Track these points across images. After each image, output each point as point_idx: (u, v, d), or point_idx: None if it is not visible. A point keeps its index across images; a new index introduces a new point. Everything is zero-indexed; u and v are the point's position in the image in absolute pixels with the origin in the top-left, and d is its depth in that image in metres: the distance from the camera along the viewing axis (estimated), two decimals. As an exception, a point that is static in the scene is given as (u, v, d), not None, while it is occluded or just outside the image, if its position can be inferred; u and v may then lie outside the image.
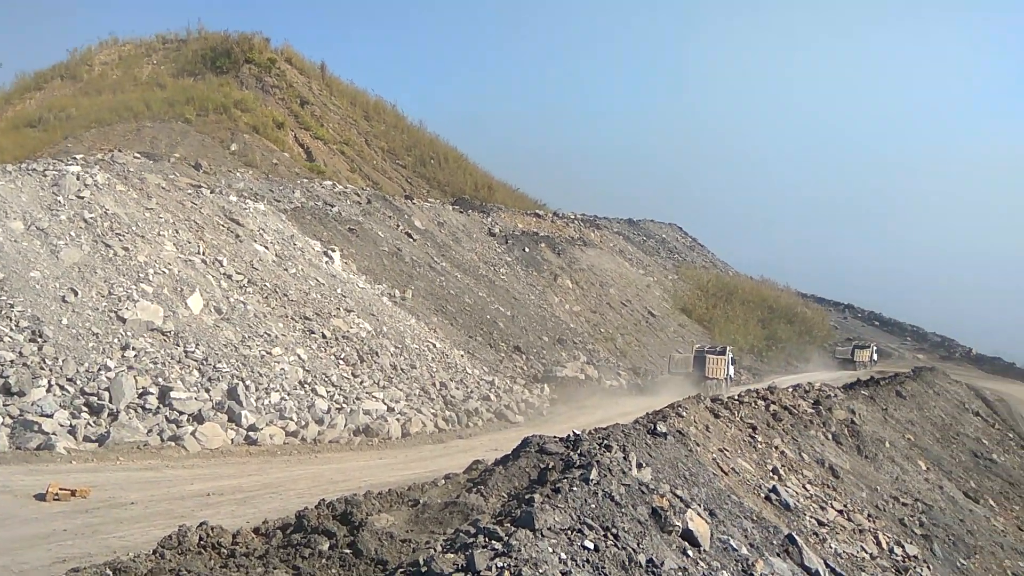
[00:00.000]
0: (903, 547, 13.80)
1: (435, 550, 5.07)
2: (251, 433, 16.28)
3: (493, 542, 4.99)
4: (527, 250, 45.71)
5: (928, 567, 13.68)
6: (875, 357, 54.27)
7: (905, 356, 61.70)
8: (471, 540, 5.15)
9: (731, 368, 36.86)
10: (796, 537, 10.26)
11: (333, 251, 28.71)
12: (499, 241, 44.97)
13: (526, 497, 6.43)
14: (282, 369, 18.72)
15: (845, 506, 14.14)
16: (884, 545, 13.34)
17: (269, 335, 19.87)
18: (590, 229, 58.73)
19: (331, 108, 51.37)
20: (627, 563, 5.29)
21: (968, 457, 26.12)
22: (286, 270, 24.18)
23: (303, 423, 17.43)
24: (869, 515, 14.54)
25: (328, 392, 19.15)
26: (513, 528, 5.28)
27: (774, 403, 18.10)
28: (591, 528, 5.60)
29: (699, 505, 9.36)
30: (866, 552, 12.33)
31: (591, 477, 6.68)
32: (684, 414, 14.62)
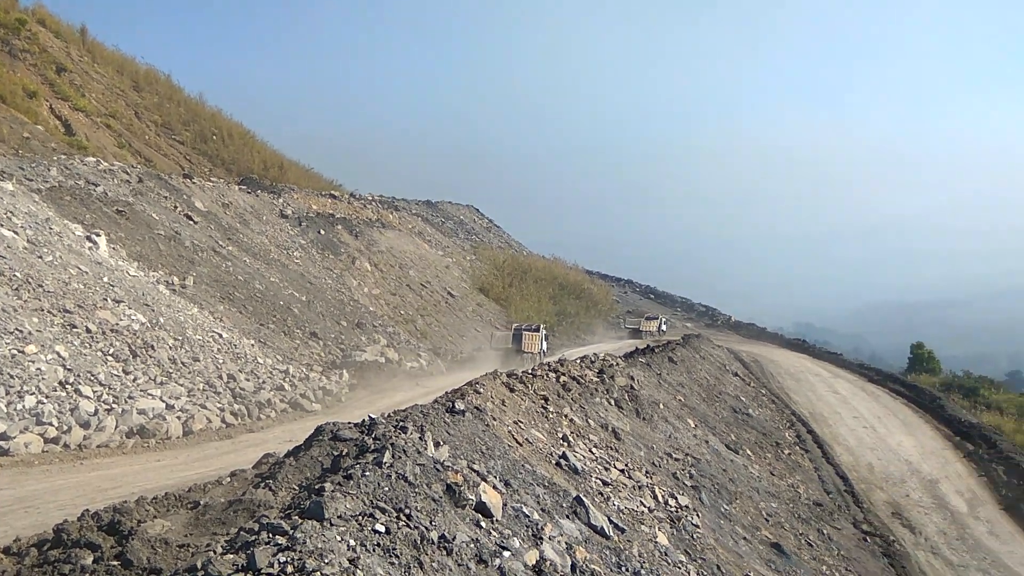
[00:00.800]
0: (676, 498, 15.24)
1: (214, 552, 4.73)
2: (1, 443, 14.27)
3: (277, 537, 4.75)
4: (323, 232, 44.22)
5: (697, 515, 15.23)
6: (664, 328, 59.34)
7: (676, 325, 67.95)
8: (253, 538, 4.86)
9: (544, 343, 40.32)
10: (583, 498, 10.93)
11: (98, 236, 25.77)
12: (292, 223, 43.04)
13: (316, 487, 6.21)
14: (38, 369, 16.53)
15: (626, 465, 15.31)
16: (660, 498, 14.64)
17: (21, 332, 17.44)
18: (388, 211, 58.10)
19: (94, 76, 45.98)
20: (419, 541, 5.30)
21: (729, 413, 29.41)
22: (40, 258, 21.34)
23: (65, 428, 15.55)
24: (647, 472, 15.87)
25: (95, 392, 17.23)
26: (300, 520, 5.07)
27: (564, 375, 19.11)
28: (383, 511, 5.54)
29: (495, 477, 9.63)
30: (644, 506, 13.45)
31: (384, 460, 6.61)
32: (481, 390, 14.99)
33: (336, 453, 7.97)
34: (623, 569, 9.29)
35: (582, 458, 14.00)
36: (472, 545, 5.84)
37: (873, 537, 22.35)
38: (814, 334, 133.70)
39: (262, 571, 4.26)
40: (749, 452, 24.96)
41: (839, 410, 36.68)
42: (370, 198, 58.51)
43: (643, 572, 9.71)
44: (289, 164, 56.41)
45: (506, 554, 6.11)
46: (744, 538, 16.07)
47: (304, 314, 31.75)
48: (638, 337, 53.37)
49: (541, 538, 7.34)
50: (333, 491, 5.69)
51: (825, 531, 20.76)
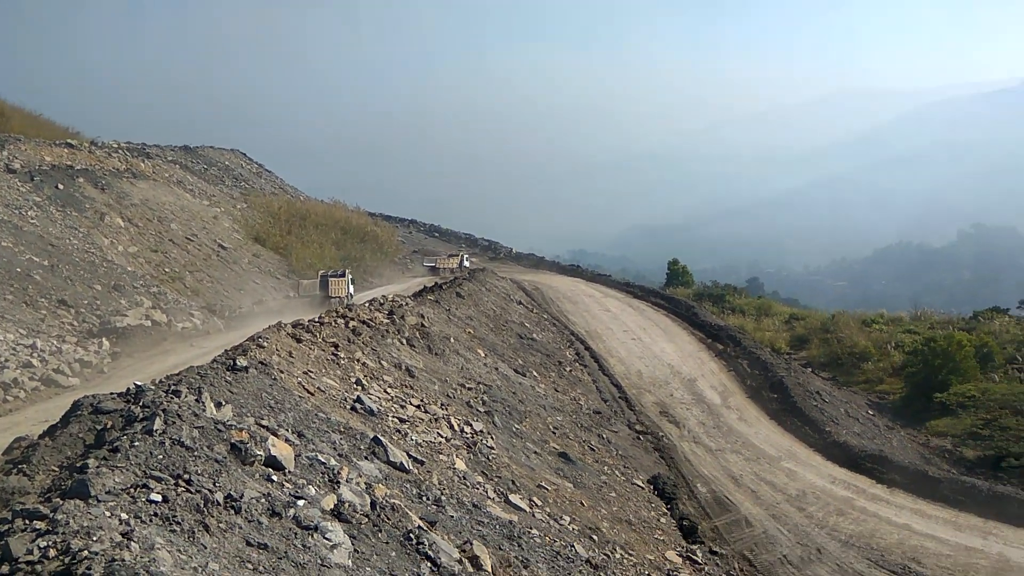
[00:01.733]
0: (471, 425, 15.85)
1: (-44, 553, 4.13)
2: None
3: (35, 522, 4.26)
4: (61, 187, 38.91)
5: (491, 437, 15.98)
6: (467, 264, 60.15)
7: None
8: (6, 527, 4.33)
9: (351, 287, 41.24)
10: (381, 438, 10.99)
11: None
12: (22, 179, 37.34)
13: (79, 465, 5.62)
14: None
15: (422, 401, 15.60)
16: (456, 427, 15.14)
17: None
18: (139, 159, 52.32)
19: None
20: (203, 505, 5.01)
21: (516, 340, 30.90)
22: None
23: None
24: (442, 404, 16.30)
25: None
26: (61, 502, 4.57)
27: (353, 319, 18.84)
28: (159, 480, 5.15)
29: (287, 430, 9.35)
30: (442, 436, 13.85)
31: (155, 428, 6.11)
32: (266, 344, 14.34)
33: (100, 427, 7.23)
34: (424, 499, 9.54)
35: (377, 399, 14.02)
36: (263, 500, 5.65)
37: (645, 435, 24.98)
38: (587, 259, 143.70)
39: (20, 560, 3.81)
40: (535, 373, 26.51)
41: (611, 326, 40.00)
42: (116, 146, 52.19)
43: (443, 498, 10.05)
44: (12, 111, 48.56)
45: (300, 503, 5.99)
46: (535, 452, 17.19)
47: (48, 280, 28.06)
48: (436, 275, 53.83)
49: (338, 482, 7.28)
50: (98, 467, 5.18)
51: (605, 435, 22.80)
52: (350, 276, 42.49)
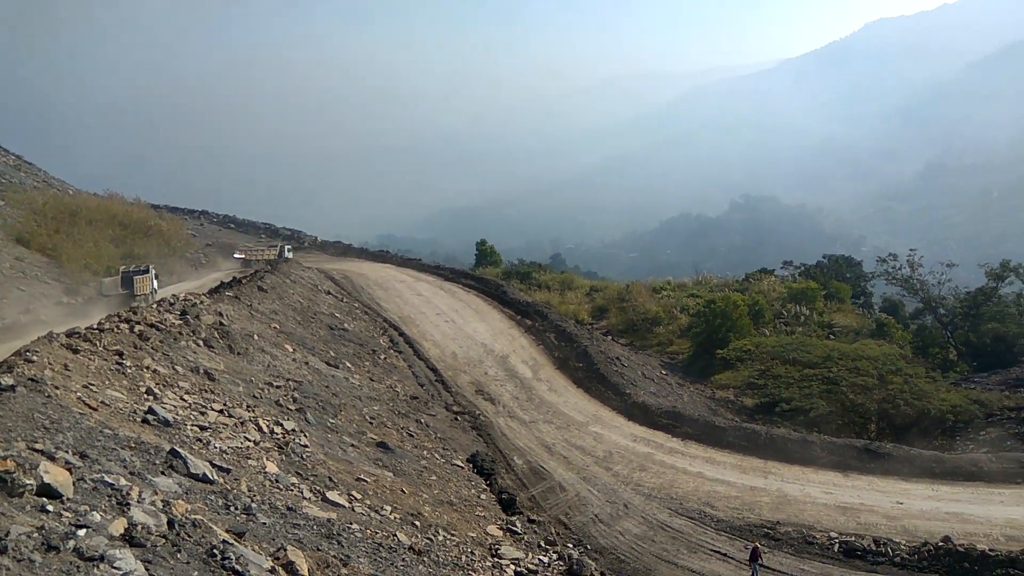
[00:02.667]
0: (281, 425, 15.17)
1: None
2: None
3: None
4: None
5: (305, 435, 15.41)
6: (288, 254, 56.86)
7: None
8: None
9: (155, 283, 40.22)
10: (179, 449, 10.19)
11: None
12: None
13: None
14: None
15: (225, 404, 14.66)
16: (265, 428, 14.42)
17: None
18: None
19: None
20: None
21: (326, 331, 29.98)
22: None
23: None
24: (248, 406, 15.43)
25: None
26: None
27: (139, 323, 17.23)
28: None
29: (66, 452, 8.38)
30: (249, 440, 13.12)
31: None
32: (35, 358, 12.74)
33: None
34: (232, 509, 9.00)
35: (173, 408, 12.97)
36: (36, 535, 5.01)
37: (462, 415, 25.40)
38: (396, 243, 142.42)
39: None
40: (349, 364, 25.93)
41: (424, 310, 40.08)
42: None
43: (254, 505, 9.54)
44: None
45: (82, 532, 5.39)
46: (352, 445, 16.85)
47: None
48: (248, 268, 50.58)
49: (128, 504, 6.65)
50: None
51: (423, 420, 22.88)
52: (154, 272, 41.19)
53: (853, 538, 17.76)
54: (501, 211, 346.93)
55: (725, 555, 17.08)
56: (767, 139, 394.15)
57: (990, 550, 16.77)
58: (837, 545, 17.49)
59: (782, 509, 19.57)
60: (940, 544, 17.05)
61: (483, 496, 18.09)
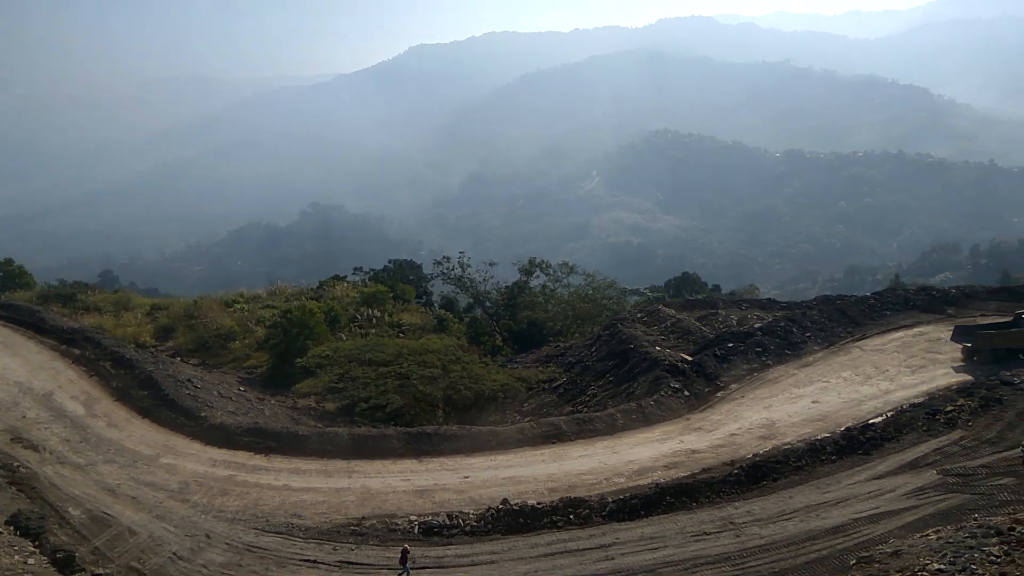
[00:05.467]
0: None
1: None
2: None
3: None
4: None
5: None
6: None
7: None
8: None
9: None
10: None
11: None
12: None
13: None
14: None
15: None
16: None
17: None
18: None
19: None
20: None
21: None
22: None
23: None
24: None
25: None
26: None
27: None
28: None
29: None
30: None
31: None
32: None
33: None
34: None
35: None
36: None
37: (-5, 472, 20.90)
38: None
39: None
40: None
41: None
42: None
43: None
44: None
45: None
46: None
47: None
48: None
49: None
50: None
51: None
52: None
53: (430, 517, 19.52)
54: (32, 225, 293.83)
55: (315, 562, 17.24)
56: (331, 150, 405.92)
57: (538, 503, 20.02)
58: (417, 527, 19.02)
59: (367, 504, 20.51)
60: (500, 507, 19.75)
61: (31, 561, 15.24)
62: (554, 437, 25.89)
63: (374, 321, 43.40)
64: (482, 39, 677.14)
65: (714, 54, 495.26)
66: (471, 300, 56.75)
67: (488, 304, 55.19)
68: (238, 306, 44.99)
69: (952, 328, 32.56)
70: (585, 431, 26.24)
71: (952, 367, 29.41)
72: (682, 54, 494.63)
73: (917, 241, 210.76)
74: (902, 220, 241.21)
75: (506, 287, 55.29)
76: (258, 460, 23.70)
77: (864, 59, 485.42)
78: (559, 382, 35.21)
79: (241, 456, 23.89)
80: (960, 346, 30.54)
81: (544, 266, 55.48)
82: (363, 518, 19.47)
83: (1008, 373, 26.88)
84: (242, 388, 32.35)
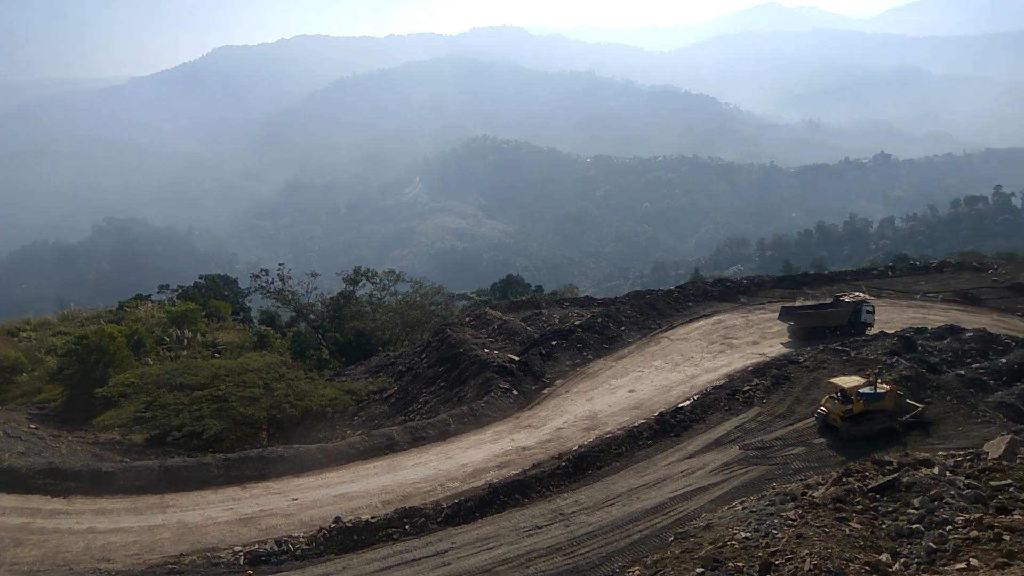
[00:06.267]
0: None
1: None
2: None
3: None
4: None
5: None
6: None
7: None
8: None
9: None
10: None
11: None
12: None
13: None
14: None
15: None
16: None
17: None
18: None
19: None
20: None
21: None
22: None
23: None
24: None
25: None
26: None
27: None
28: None
29: None
30: None
31: None
32: None
33: None
34: None
35: None
36: None
37: None
38: None
39: None
40: None
41: None
42: None
43: None
44: None
45: None
46: None
47: None
48: None
49: None
50: None
51: None
52: None
53: (256, 545, 18.55)
54: None
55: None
56: (129, 159, 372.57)
57: (372, 518, 19.66)
58: (242, 557, 18.01)
59: (185, 539, 19.11)
60: (333, 526, 19.19)
61: None
62: (387, 448, 25.59)
63: (185, 342, 40.46)
64: (293, 42, 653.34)
65: (526, 63, 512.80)
66: (294, 314, 54.65)
67: (312, 317, 53.41)
68: (24, 335, 40.14)
69: (779, 309, 36.32)
70: (418, 439, 26.20)
71: (781, 343, 33.06)
72: (496, 62, 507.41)
73: (712, 237, 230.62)
74: (698, 218, 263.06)
75: (331, 298, 53.82)
76: (56, 503, 21.30)
77: (660, 70, 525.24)
78: (390, 392, 34.85)
79: (36, 501, 21.36)
80: (786, 324, 34.46)
81: (370, 275, 54.65)
82: (181, 555, 18.12)
83: (795, 353, 30.48)
84: (33, 426, 28.92)
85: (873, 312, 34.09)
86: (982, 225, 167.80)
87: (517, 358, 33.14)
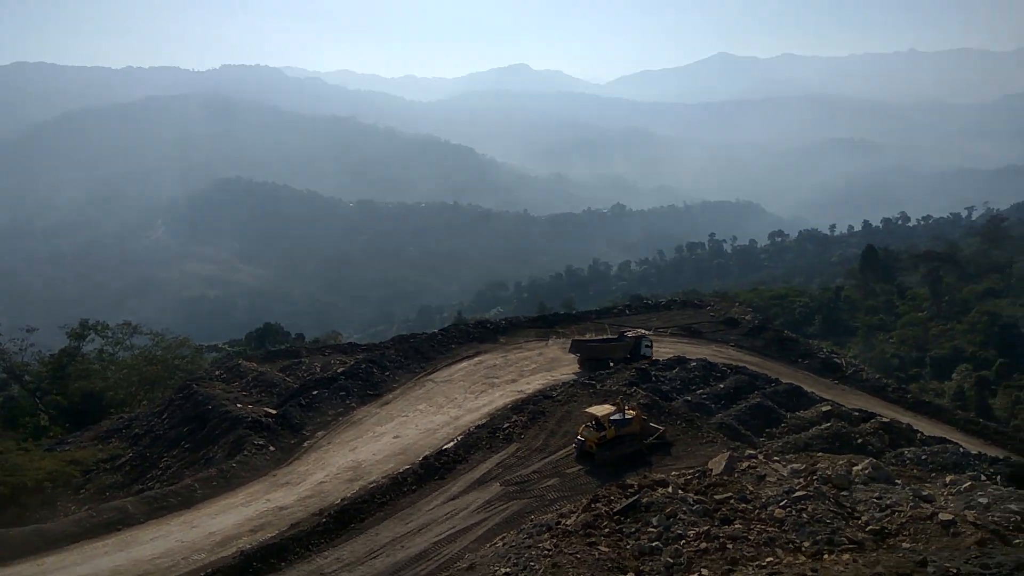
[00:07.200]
0: None
1: None
2: None
3: None
4: None
5: None
6: None
7: None
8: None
9: None
10: None
11: None
12: None
13: None
14: None
15: None
16: None
17: None
18: None
19: None
20: None
21: None
22: None
23: None
24: None
25: None
26: None
27: None
28: None
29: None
30: None
31: None
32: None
33: None
34: None
35: None
36: None
37: None
38: None
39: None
40: None
41: None
42: None
43: None
44: None
45: None
46: None
47: None
48: None
49: None
50: None
51: None
52: None
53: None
54: None
55: None
56: None
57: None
58: None
59: None
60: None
61: None
62: (119, 523, 22.64)
63: None
64: (11, 69, 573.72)
65: (283, 104, 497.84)
66: (5, 375, 46.92)
67: (28, 379, 46.22)
68: None
69: (570, 342, 38.82)
70: (157, 509, 23.51)
71: (572, 372, 35.70)
72: (251, 102, 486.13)
73: (474, 281, 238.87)
74: (460, 262, 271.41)
75: (52, 356, 47.00)
76: None
77: (420, 119, 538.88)
78: (124, 459, 31.09)
79: None
80: (574, 356, 37.32)
81: (100, 328, 48.71)
82: None
83: (551, 388, 32.38)
84: None
85: (651, 346, 37.98)
86: (701, 267, 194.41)
87: (274, 411, 31.29)
